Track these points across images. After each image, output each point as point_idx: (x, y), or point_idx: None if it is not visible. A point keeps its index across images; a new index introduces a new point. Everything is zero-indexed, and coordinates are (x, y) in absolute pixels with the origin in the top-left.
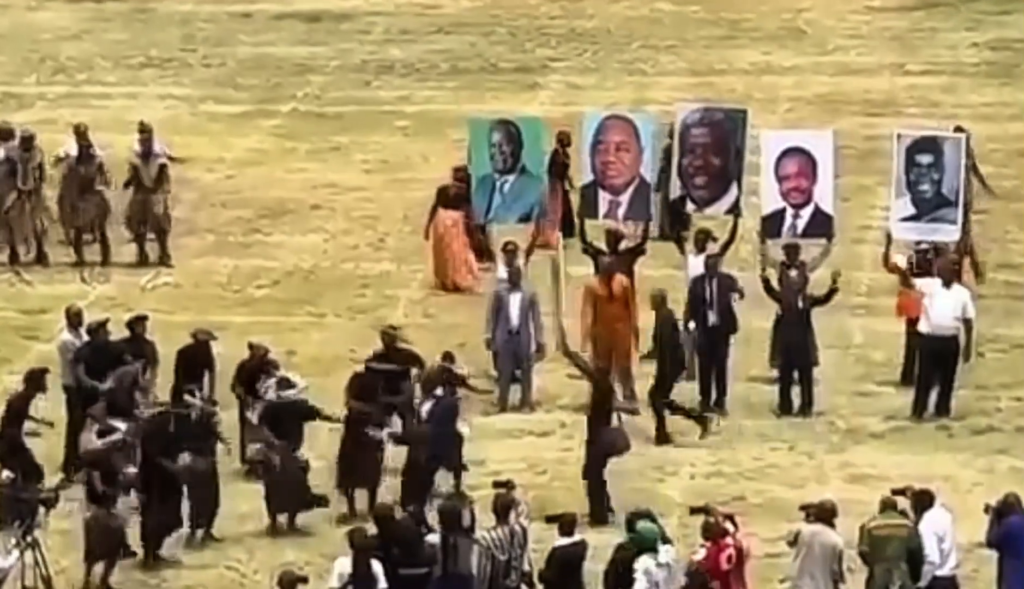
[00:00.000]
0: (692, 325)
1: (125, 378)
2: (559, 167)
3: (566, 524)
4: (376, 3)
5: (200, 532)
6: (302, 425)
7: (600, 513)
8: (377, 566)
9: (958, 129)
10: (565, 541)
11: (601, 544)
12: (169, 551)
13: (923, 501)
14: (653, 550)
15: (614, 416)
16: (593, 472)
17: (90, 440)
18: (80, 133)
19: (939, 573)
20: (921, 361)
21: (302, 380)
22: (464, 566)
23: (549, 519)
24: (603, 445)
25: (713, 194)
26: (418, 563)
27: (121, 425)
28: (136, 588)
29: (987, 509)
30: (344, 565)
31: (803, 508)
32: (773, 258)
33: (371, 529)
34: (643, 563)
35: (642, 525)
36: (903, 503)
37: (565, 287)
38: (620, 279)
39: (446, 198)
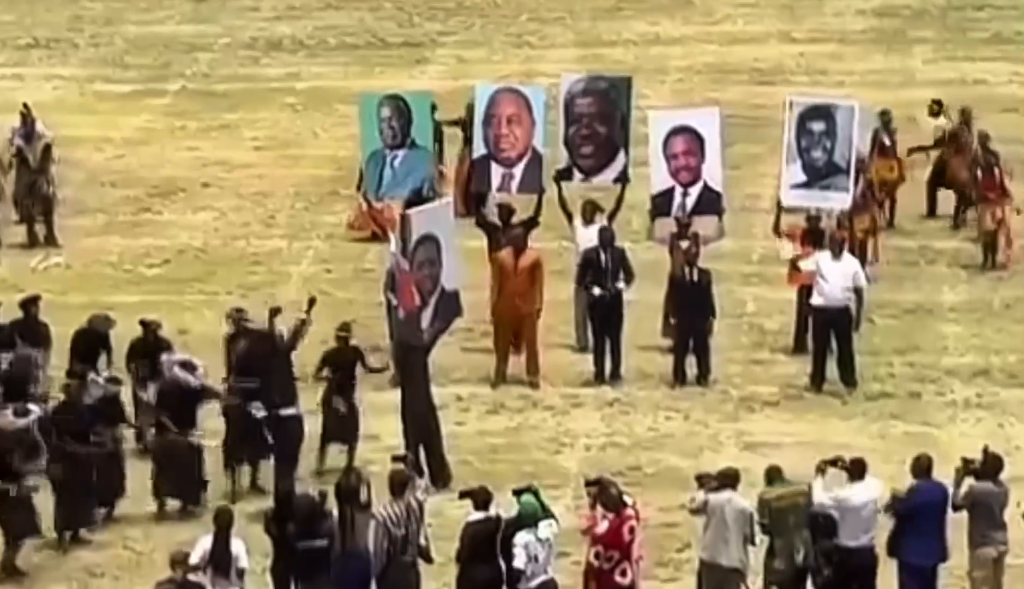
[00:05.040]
0: (597, 290)
1: (21, 362)
2: (464, 139)
3: (479, 499)
4: None
5: (102, 512)
6: (196, 407)
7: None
8: (237, 545)
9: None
10: (478, 516)
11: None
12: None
13: (857, 470)
14: (533, 525)
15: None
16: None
17: (6, 417)
18: None
19: (854, 544)
20: (815, 334)
21: (200, 363)
22: (361, 541)
23: (462, 494)
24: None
25: (600, 163)
26: (315, 536)
27: (35, 408)
28: (33, 569)
29: (893, 498)
30: (206, 543)
31: (699, 478)
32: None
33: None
34: (522, 538)
35: (524, 499)
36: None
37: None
38: (530, 253)
39: None
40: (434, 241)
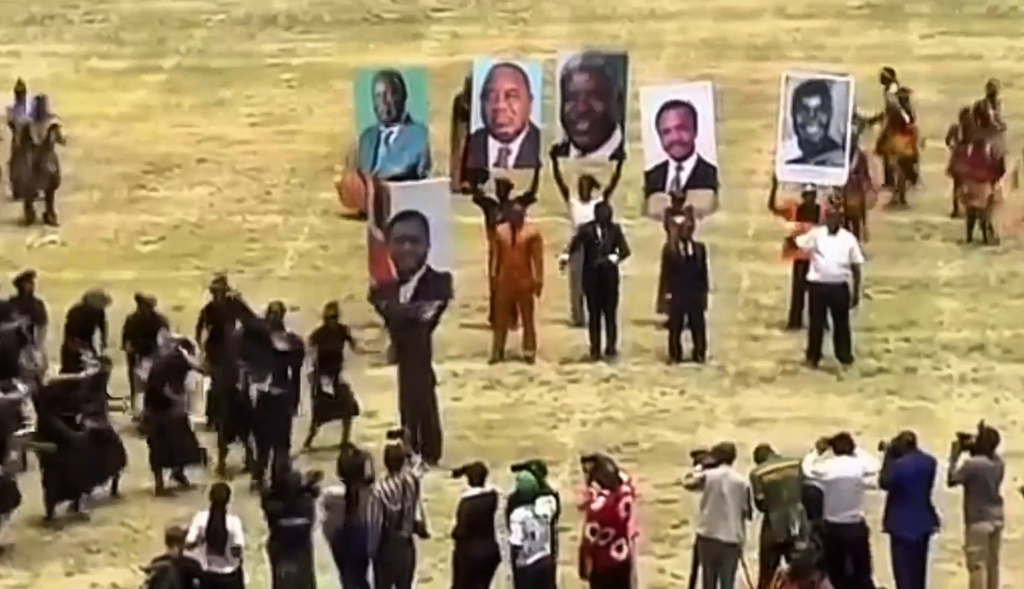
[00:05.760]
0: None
1: (8, 335)
2: (462, 114)
3: (475, 475)
4: None
5: (100, 490)
6: (184, 383)
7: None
8: (233, 522)
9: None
10: (474, 492)
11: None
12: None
13: (841, 445)
14: (531, 501)
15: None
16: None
17: None
18: None
19: (836, 519)
20: (812, 309)
21: (194, 341)
22: (364, 517)
23: (456, 473)
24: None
25: (596, 140)
26: (295, 514)
27: (22, 387)
28: (30, 546)
29: (881, 446)
30: (202, 520)
31: (695, 454)
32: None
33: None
34: (519, 514)
35: (522, 476)
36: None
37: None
38: (528, 228)
39: None
40: (420, 219)
